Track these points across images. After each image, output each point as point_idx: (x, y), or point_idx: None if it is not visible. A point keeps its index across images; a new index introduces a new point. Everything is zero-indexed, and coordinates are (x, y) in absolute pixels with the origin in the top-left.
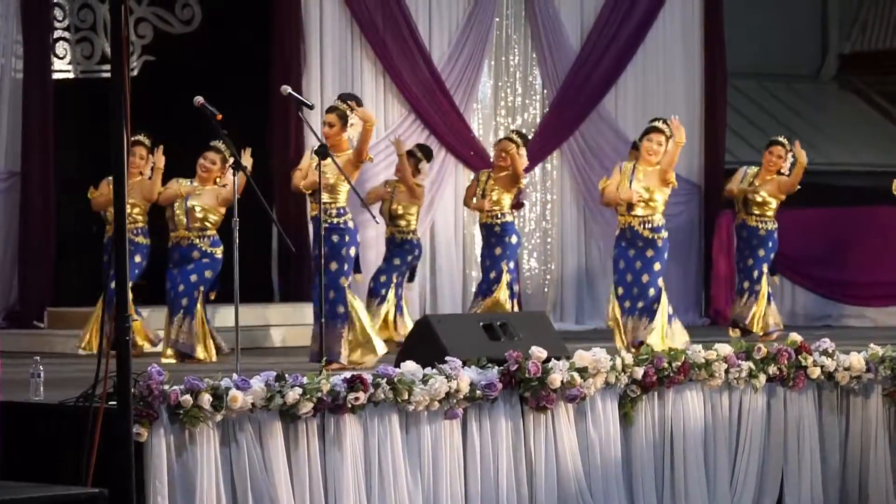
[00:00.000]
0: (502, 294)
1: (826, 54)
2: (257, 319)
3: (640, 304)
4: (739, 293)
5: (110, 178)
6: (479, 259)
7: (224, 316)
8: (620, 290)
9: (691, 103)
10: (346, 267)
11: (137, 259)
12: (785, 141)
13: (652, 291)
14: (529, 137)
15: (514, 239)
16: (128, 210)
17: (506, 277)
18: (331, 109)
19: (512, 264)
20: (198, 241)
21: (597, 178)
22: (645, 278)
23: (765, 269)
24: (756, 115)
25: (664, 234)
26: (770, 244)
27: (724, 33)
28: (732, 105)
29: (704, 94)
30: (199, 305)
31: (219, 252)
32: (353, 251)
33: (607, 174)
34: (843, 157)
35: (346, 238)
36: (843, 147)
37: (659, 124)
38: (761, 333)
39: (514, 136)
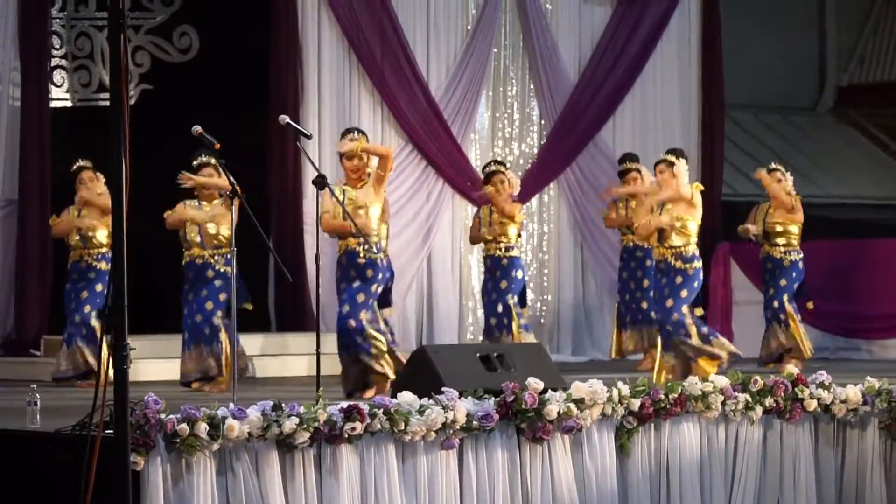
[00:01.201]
0: (516, 327)
1: (823, 86)
2: (253, 349)
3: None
4: (780, 323)
5: (71, 206)
6: (476, 289)
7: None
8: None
9: (688, 135)
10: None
11: (99, 288)
12: (777, 166)
13: (676, 316)
14: (527, 168)
15: (519, 274)
16: (91, 234)
17: (515, 311)
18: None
19: (515, 298)
20: (212, 259)
21: (594, 209)
22: (669, 303)
23: (786, 298)
24: (753, 147)
25: (697, 263)
26: (794, 274)
27: (721, 65)
28: (729, 137)
29: (701, 126)
30: (222, 331)
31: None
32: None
33: (603, 205)
34: (840, 190)
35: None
36: (840, 179)
37: (663, 155)
38: (810, 356)
39: (500, 168)
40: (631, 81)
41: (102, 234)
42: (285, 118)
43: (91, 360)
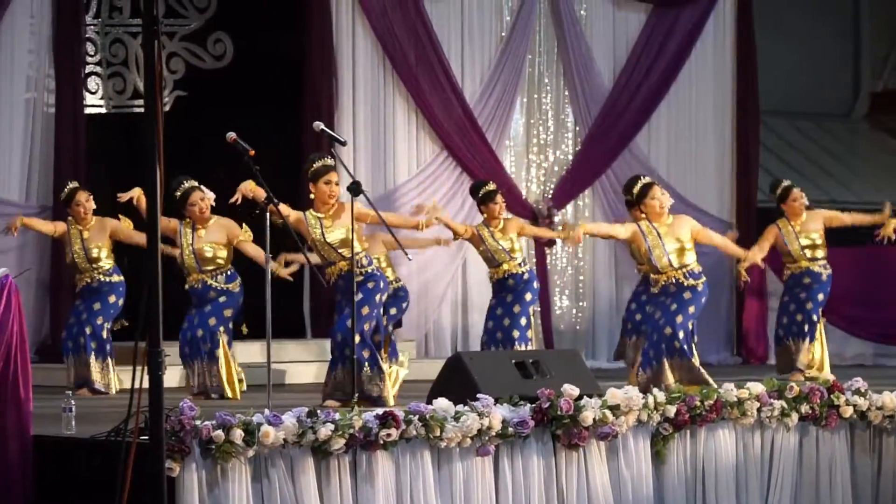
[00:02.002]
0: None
1: (858, 93)
2: (288, 355)
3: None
4: (800, 337)
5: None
6: None
7: (253, 352)
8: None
9: (722, 141)
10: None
11: (112, 299)
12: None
13: (682, 333)
14: (562, 174)
15: (528, 296)
16: (94, 254)
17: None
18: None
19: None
20: (211, 280)
21: (628, 215)
22: (679, 319)
23: (821, 312)
24: (787, 153)
25: (703, 279)
26: (829, 288)
27: (755, 71)
28: (764, 143)
29: (736, 132)
30: (222, 347)
31: (236, 286)
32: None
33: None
34: (873, 196)
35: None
36: (874, 185)
37: (646, 179)
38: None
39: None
40: (665, 88)
41: (108, 258)
42: (320, 125)
43: (95, 372)
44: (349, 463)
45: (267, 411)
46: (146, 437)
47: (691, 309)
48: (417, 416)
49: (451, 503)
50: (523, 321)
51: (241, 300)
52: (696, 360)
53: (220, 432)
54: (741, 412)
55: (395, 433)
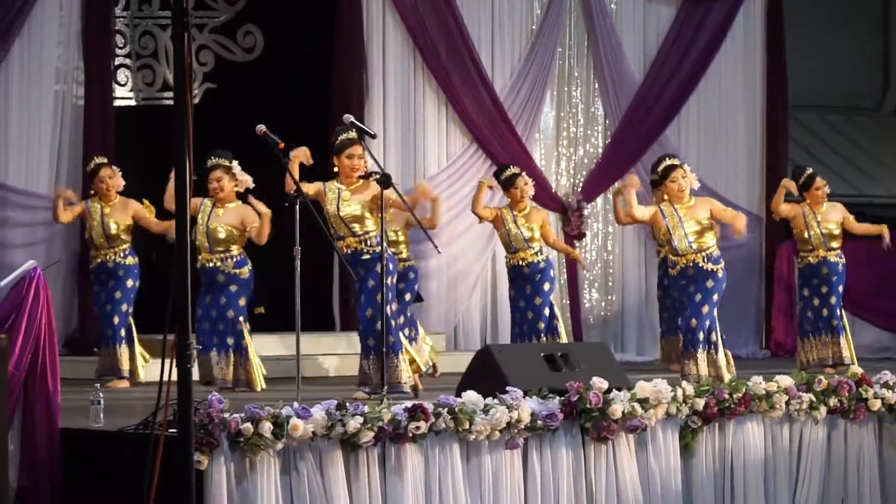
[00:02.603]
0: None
1: (887, 87)
2: (317, 348)
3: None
4: (827, 332)
5: (89, 202)
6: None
7: (281, 344)
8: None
9: (752, 135)
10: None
11: (130, 283)
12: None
13: (708, 322)
14: (591, 167)
15: (546, 286)
16: (112, 231)
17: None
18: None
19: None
20: (220, 263)
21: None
22: (705, 309)
23: (841, 305)
24: (817, 147)
25: (722, 264)
26: (845, 279)
27: (785, 65)
28: (793, 137)
29: (766, 126)
30: (247, 338)
31: (245, 272)
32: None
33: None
34: None
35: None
36: None
37: (674, 161)
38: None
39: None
40: (695, 81)
41: (126, 238)
42: (350, 117)
43: (124, 361)
44: (378, 456)
45: (296, 404)
46: (175, 430)
47: (715, 297)
48: (446, 409)
49: (479, 496)
50: (546, 311)
51: (251, 285)
52: (720, 354)
53: (248, 425)
54: (770, 405)
55: (424, 426)
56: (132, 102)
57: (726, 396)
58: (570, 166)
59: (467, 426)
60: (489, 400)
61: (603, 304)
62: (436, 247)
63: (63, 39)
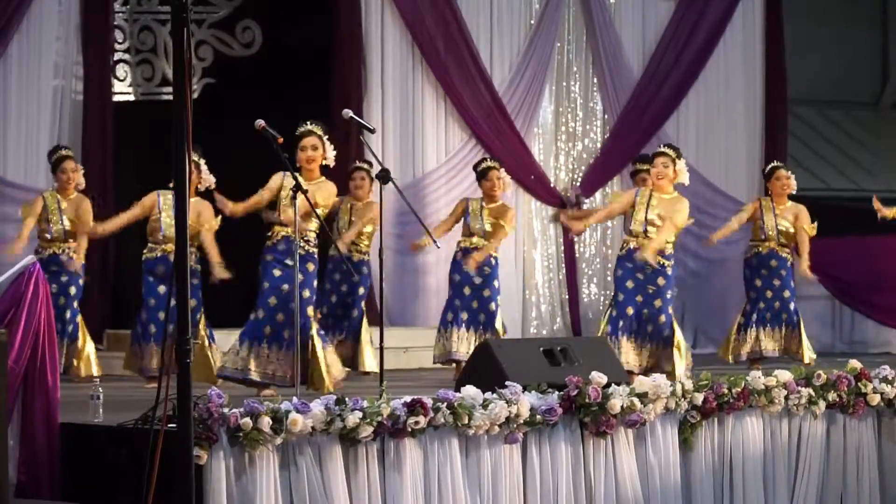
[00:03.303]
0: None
1: (886, 81)
2: None
3: (650, 330)
4: (791, 325)
5: (47, 194)
6: (539, 284)
7: None
8: (630, 311)
9: (752, 129)
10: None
11: (81, 282)
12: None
13: (663, 318)
14: (590, 162)
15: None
16: (69, 227)
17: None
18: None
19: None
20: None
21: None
22: (658, 304)
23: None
24: (815, 141)
25: (672, 262)
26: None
27: (784, 60)
28: (792, 132)
29: (765, 120)
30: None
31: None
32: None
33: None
34: None
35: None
36: None
37: (663, 149)
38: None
39: (495, 165)
40: (694, 76)
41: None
42: (348, 112)
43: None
44: (377, 450)
45: (295, 399)
46: (174, 425)
47: (669, 294)
48: (445, 404)
49: (478, 491)
50: (493, 306)
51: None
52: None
53: (247, 420)
54: (768, 400)
55: (423, 421)
56: (131, 97)
57: (725, 391)
58: (569, 161)
59: (466, 421)
60: (488, 395)
61: (601, 298)
62: (434, 242)
63: (62, 34)
